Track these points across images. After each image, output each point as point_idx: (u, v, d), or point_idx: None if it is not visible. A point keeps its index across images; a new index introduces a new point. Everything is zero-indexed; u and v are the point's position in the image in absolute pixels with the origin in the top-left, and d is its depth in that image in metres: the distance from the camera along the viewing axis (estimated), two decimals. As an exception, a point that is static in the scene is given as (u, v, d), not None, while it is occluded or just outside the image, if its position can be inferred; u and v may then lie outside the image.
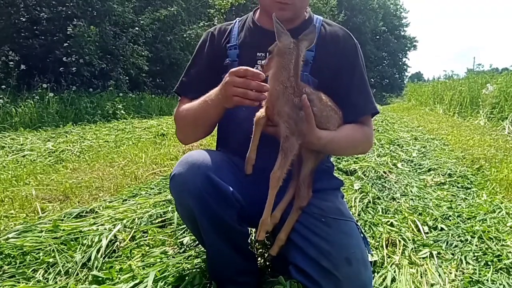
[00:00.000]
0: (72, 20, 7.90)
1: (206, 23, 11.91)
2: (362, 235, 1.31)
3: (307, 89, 1.17)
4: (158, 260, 1.51)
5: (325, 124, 1.21)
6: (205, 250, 1.41)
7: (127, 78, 9.23)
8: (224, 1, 11.89)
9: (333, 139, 1.22)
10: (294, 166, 1.22)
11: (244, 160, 1.34)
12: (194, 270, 1.40)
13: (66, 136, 5.06)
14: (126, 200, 2.30)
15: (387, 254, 1.64)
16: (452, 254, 1.68)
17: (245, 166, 1.17)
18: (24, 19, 7.96)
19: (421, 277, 1.49)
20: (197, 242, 1.63)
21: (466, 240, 1.81)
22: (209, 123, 1.33)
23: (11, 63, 6.76)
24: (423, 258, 1.64)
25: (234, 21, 1.47)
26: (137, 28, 9.54)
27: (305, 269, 1.17)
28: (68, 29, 7.66)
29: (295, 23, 1.37)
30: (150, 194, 2.42)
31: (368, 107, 1.37)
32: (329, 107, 1.23)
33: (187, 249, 1.64)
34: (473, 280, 1.46)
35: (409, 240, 1.79)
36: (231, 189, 1.15)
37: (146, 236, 1.76)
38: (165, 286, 1.31)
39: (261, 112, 1.16)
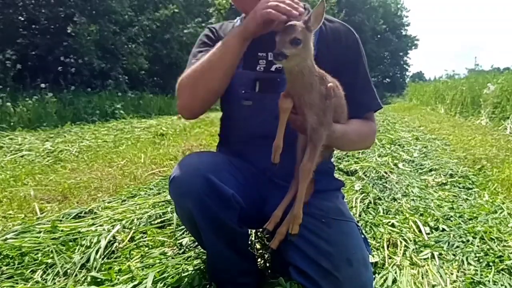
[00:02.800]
0: (71, 19, 7.89)
1: (204, 20, 11.91)
2: (362, 235, 1.30)
3: (327, 76, 1.12)
4: (157, 261, 1.50)
5: (339, 114, 1.18)
6: (204, 251, 1.40)
7: (126, 77, 9.23)
8: (224, 0, 11.90)
9: (345, 133, 1.20)
10: (298, 164, 1.21)
11: (245, 159, 1.33)
12: (193, 271, 1.39)
13: (65, 136, 5.05)
14: (125, 200, 2.29)
15: (388, 255, 1.63)
16: (454, 255, 1.67)
17: (273, 155, 1.10)
18: (22, 19, 7.96)
19: (422, 278, 1.48)
20: (196, 243, 1.63)
21: (468, 240, 1.80)
22: (221, 73, 1.21)
23: (8, 62, 6.75)
24: (424, 259, 1.63)
25: (236, 19, 1.46)
26: (136, 28, 9.54)
27: (305, 270, 1.16)
28: (68, 28, 7.65)
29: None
30: (149, 195, 2.41)
31: (373, 103, 1.37)
32: (343, 96, 1.19)
33: (187, 250, 1.63)
34: (475, 281, 1.45)
35: (410, 240, 1.78)
36: (231, 191, 1.14)
37: (145, 237, 1.75)
38: (164, 287, 1.30)
39: (285, 98, 1.09)
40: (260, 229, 1.69)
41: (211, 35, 1.40)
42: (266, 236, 1.34)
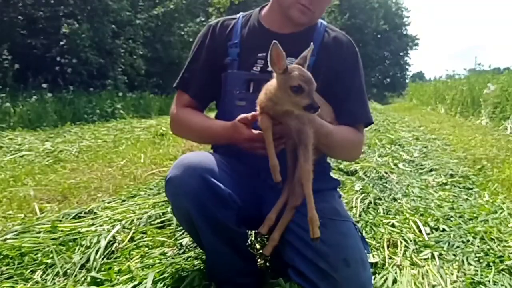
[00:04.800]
0: (67, 18, 7.88)
1: (203, 20, 11.91)
2: (360, 234, 1.29)
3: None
4: (157, 261, 1.50)
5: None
6: (204, 252, 1.39)
7: (125, 78, 9.21)
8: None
9: (333, 131, 1.23)
10: (289, 167, 1.20)
11: (241, 160, 1.33)
12: (193, 271, 1.39)
13: (65, 136, 5.05)
14: (125, 200, 2.29)
15: (388, 255, 1.63)
16: (454, 255, 1.67)
17: (273, 176, 1.11)
18: (22, 18, 7.96)
19: (423, 278, 1.47)
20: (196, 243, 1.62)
21: (468, 241, 1.80)
22: (207, 142, 1.39)
23: (6, 62, 6.74)
24: (425, 259, 1.62)
25: (238, 16, 1.45)
26: (134, 28, 9.53)
27: (303, 271, 1.16)
28: (62, 29, 7.66)
29: (303, 27, 1.37)
30: (149, 195, 2.41)
31: (364, 115, 1.38)
32: (316, 93, 1.20)
33: (186, 250, 1.62)
34: (475, 281, 1.45)
35: (411, 241, 1.77)
36: (228, 190, 1.14)
37: (145, 237, 1.75)
38: (164, 287, 1.29)
39: (263, 117, 1.12)
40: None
41: (209, 35, 1.41)
42: (266, 236, 1.33)
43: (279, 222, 1.20)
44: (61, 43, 7.90)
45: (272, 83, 1.10)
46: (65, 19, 7.92)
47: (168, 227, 1.86)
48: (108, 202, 2.25)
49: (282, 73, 1.05)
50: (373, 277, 1.39)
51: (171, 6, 10.48)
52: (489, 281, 1.44)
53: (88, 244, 1.62)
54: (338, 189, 1.48)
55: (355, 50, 1.39)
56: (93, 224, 1.85)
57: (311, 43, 1.13)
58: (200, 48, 1.42)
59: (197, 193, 1.11)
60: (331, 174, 1.56)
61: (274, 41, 1.03)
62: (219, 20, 1.46)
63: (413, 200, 2.48)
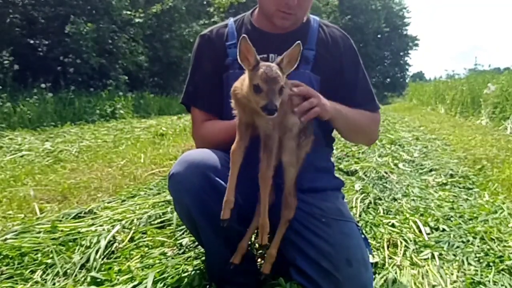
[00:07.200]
0: (69, 18, 7.88)
1: (206, 21, 11.90)
2: (362, 236, 1.30)
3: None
4: (157, 261, 1.50)
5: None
6: (204, 251, 1.40)
7: (126, 77, 9.20)
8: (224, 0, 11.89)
9: (342, 109, 1.23)
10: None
11: (243, 159, 1.32)
12: (193, 271, 1.39)
13: (65, 136, 5.05)
14: (124, 200, 2.29)
15: (388, 255, 1.63)
16: (454, 255, 1.67)
17: (222, 211, 1.09)
18: (22, 18, 7.96)
19: (423, 278, 1.47)
20: (196, 243, 1.62)
21: (468, 241, 1.80)
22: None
23: (6, 62, 6.74)
24: (425, 259, 1.62)
25: (228, 21, 1.46)
26: (135, 27, 9.53)
27: (305, 270, 1.17)
28: (66, 28, 7.66)
29: (292, 27, 1.37)
30: (149, 195, 2.41)
31: (372, 104, 1.41)
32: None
33: (186, 250, 1.63)
34: (475, 281, 1.45)
35: (411, 241, 1.77)
36: None
37: (145, 237, 1.75)
38: (164, 287, 1.29)
39: (235, 152, 1.11)
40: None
41: (205, 44, 1.41)
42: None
43: (274, 237, 1.18)
44: (63, 43, 7.90)
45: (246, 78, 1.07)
46: (67, 19, 7.91)
47: (168, 227, 1.86)
48: (108, 202, 2.25)
49: (252, 69, 1.01)
50: (373, 277, 1.39)
51: (170, 4, 10.46)
52: (489, 281, 1.44)
53: (88, 244, 1.62)
54: (341, 190, 1.49)
55: (351, 43, 1.42)
56: (93, 224, 1.85)
57: (298, 42, 1.05)
58: (198, 58, 1.42)
59: (198, 190, 1.11)
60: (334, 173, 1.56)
61: (243, 35, 1.00)
62: (211, 28, 1.46)
63: (413, 200, 2.48)
